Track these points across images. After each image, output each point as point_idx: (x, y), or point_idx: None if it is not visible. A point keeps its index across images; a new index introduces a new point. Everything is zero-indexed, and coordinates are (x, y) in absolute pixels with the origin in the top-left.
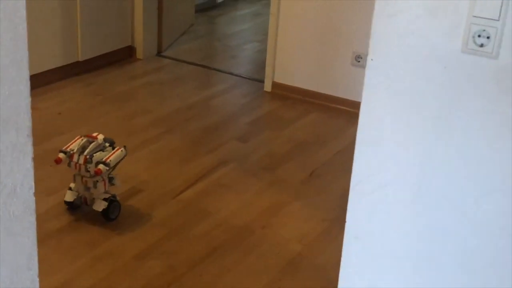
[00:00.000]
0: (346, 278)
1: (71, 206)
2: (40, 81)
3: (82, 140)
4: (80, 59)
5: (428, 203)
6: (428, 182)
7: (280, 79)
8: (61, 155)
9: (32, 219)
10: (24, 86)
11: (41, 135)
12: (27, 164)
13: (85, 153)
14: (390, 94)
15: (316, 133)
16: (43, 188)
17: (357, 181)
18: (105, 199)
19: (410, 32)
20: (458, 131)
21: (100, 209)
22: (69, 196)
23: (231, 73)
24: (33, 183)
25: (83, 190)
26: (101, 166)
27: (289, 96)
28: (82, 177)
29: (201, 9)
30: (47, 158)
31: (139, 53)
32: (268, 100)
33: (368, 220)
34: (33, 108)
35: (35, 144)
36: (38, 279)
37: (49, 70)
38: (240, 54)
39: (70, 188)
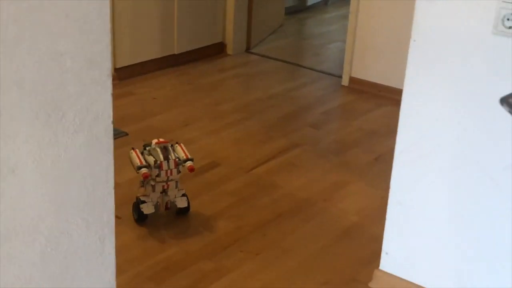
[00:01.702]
0: (389, 240)
1: (145, 218)
2: (139, 70)
3: (155, 148)
4: (176, 52)
5: (465, 172)
6: (464, 152)
7: (357, 74)
8: (145, 170)
9: (110, 141)
10: (106, 35)
11: (136, 116)
12: (107, 97)
13: (173, 156)
14: (430, 72)
15: (386, 124)
16: None
17: (400, 150)
18: (183, 195)
19: (447, 15)
20: (490, 105)
21: (186, 204)
22: (150, 208)
23: (313, 69)
24: (111, 113)
25: (161, 196)
26: (191, 163)
27: (365, 90)
28: (166, 182)
29: (291, 12)
30: (141, 134)
31: (229, 49)
32: (344, 93)
33: (410, 187)
34: (132, 93)
35: (131, 123)
36: (113, 191)
37: (147, 61)
38: (323, 52)
39: (143, 201)
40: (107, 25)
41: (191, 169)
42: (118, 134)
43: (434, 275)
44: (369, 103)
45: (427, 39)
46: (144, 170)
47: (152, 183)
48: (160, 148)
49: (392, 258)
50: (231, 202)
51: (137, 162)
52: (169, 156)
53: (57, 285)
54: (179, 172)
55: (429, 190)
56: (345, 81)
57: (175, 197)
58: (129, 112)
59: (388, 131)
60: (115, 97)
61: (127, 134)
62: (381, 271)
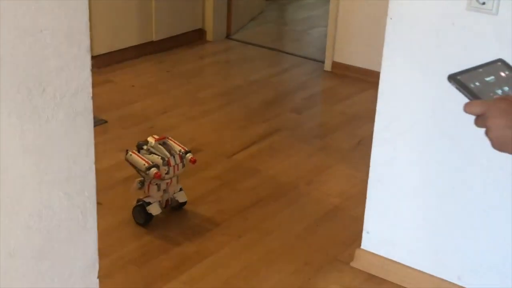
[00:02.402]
0: (370, 218)
1: (151, 219)
2: (117, 58)
3: (156, 146)
4: (154, 39)
5: (440, 146)
6: (439, 128)
7: (340, 58)
8: (154, 169)
9: (90, 116)
10: (84, 11)
11: (115, 103)
12: (87, 73)
13: (178, 151)
14: (406, 50)
15: (369, 108)
16: (114, 145)
17: (379, 129)
18: (180, 189)
19: None
20: None
21: (186, 199)
22: (157, 208)
23: (294, 54)
24: (91, 89)
25: (163, 195)
26: (191, 155)
27: (347, 75)
28: (170, 179)
29: None
30: (120, 121)
31: (209, 36)
32: (327, 78)
33: (389, 165)
34: (109, 81)
35: (110, 110)
36: (94, 166)
37: (125, 48)
38: (305, 37)
39: (149, 203)
40: (86, 2)
41: (193, 161)
42: (97, 122)
43: (414, 252)
44: (352, 87)
45: (403, 17)
46: (154, 170)
47: (158, 182)
48: (161, 144)
49: (373, 237)
50: (213, 187)
51: (142, 163)
52: (173, 152)
53: (41, 258)
54: (183, 166)
55: (407, 167)
56: (327, 66)
57: (174, 193)
58: (108, 100)
59: (371, 115)
60: (93, 85)
61: (106, 122)
62: (362, 250)
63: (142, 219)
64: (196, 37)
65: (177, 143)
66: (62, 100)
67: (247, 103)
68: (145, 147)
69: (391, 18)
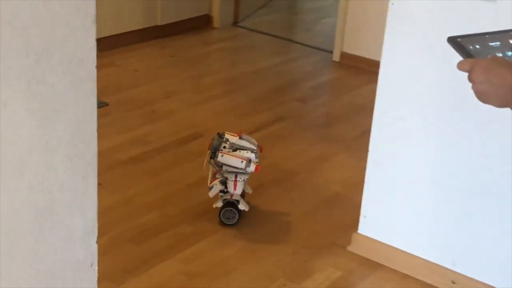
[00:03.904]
0: (367, 203)
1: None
2: (121, 41)
3: (241, 141)
4: (159, 24)
5: (439, 132)
6: (438, 114)
7: (349, 49)
8: (254, 164)
9: (94, 85)
10: None
11: (118, 87)
12: (92, 43)
13: (256, 144)
14: (407, 34)
15: (374, 99)
16: (114, 128)
17: (379, 113)
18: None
19: None
20: None
21: (251, 190)
22: (246, 204)
23: (303, 44)
24: (95, 58)
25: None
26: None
27: (356, 65)
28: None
29: None
30: (121, 105)
31: (216, 22)
32: (335, 68)
33: (388, 148)
34: (113, 64)
35: (112, 93)
36: (96, 134)
37: (130, 32)
38: (315, 27)
39: (237, 200)
40: None
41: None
42: (98, 104)
43: (409, 237)
44: (360, 78)
45: (404, 3)
46: (254, 164)
47: (246, 177)
48: (243, 139)
49: (370, 221)
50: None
51: (239, 160)
52: (252, 142)
53: (43, 218)
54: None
55: (405, 153)
56: (336, 56)
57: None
58: (110, 83)
59: None
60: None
61: (107, 104)
62: (359, 234)
63: (234, 219)
64: (202, 23)
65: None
66: (68, 67)
67: (252, 91)
68: (224, 145)
69: (393, 4)
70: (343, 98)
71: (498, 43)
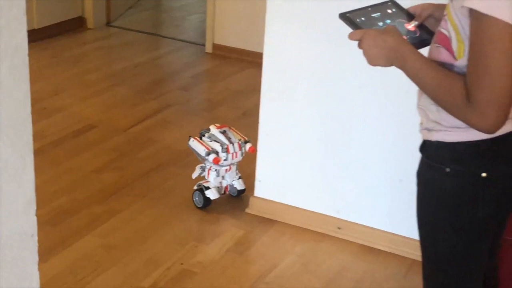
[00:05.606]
0: (261, 168)
1: (210, 203)
2: None
3: (217, 133)
4: (36, 27)
5: (321, 100)
6: (320, 84)
7: (220, 40)
8: (214, 155)
9: (27, 71)
10: None
11: None
12: (24, 33)
13: (238, 140)
14: (287, 16)
15: (250, 84)
16: None
17: (265, 87)
18: (239, 178)
19: None
20: (343, 36)
21: (244, 186)
22: (214, 193)
23: (175, 39)
24: (27, 46)
25: (222, 181)
26: (250, 144)
27: (228, 56)
28: (229, 165)
29: None
30: None
31: (90, 23)
32: (209, 59)
33: (276, 118)
34: None
35: None
36: (30, 117)
37: None
38: (184, 23)
39: (207, 187)
40: None
41: (252, 150)
42: None
43: (300, 194)
44: (233, 67)
45: None
46: (213, 155)
47: (217, 168)
48: (222, 132)
49: (264, 185)
50: (113, 157)
51: (203, 149)
52: (232, 140)
53: None
54: (242, 154)
55: (292, 121)
56: (208, 48)
57: (233, 180)
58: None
59: (252, 90)
60: None
61: None
62: (255, 197)
63: (200, 203)
64: (77, 24)
65: (238, 132)
66: (5, 54)
67: (135, 83)
68: (206, 134)
69: None
70: (220, 85)
71: (379, 13)
